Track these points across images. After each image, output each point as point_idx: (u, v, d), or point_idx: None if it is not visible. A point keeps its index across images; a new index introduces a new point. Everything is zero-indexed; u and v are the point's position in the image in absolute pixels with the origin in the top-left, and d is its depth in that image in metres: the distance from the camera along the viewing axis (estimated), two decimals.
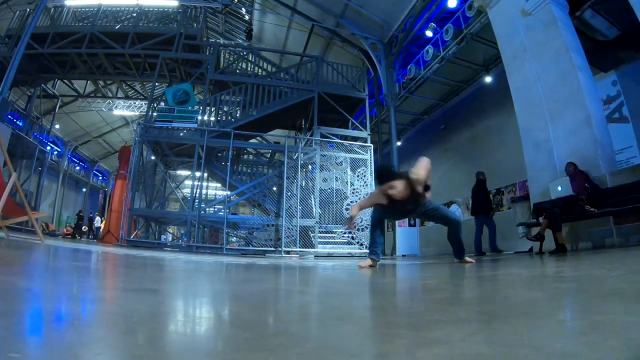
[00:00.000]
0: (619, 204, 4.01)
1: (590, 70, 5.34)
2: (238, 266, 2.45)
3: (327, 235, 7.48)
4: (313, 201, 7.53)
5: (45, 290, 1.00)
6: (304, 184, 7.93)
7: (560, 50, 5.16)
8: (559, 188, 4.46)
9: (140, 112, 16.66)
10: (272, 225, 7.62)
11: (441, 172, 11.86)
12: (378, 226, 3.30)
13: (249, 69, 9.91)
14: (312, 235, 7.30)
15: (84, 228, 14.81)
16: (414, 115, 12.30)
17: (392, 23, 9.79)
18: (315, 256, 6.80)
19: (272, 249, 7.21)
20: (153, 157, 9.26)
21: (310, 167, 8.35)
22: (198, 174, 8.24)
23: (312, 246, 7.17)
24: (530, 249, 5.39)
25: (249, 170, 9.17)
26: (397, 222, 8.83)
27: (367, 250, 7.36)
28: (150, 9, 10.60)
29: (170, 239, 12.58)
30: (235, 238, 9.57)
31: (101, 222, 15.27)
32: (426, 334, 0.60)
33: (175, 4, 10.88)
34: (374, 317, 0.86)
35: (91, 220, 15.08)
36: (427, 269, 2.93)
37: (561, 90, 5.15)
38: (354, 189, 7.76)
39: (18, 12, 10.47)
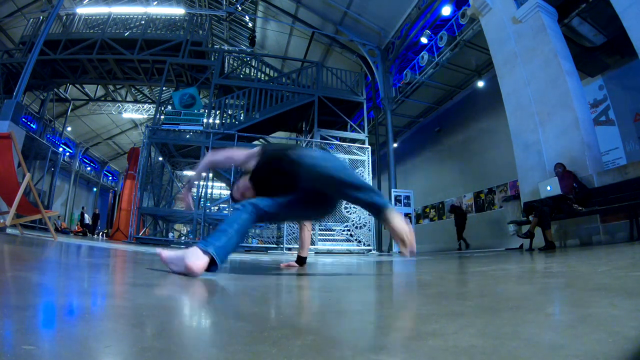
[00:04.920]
0: (606, 202, 4.13)
1: (578, 75, 5.42)
2: (242, 262, 2.40)
3: (327, 232, 7.62)
4: None
5: (57, 285, 1.01)
6: None
7: (550, 56, 5.30)
8: (548, 187, 4.51)
9: (149, 115, 16.93)
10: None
11: (435, 173, 12.03)
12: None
13: (252, 74, 10.10)
14: (312, 232, 7.45)
15: (97, 231, 14.82)
16: (410, 118, 12.48)
17: (389, 30, 10.01)
18: (315, 253, 6.88)
19: (274, 245, 7.32)
20: (161, 158, 9.42)
21: None
22: (204, 174, 8.49)
23: (313, 243, 7.24)
24: (521, 246, 5.41)
25: None
26: None
27: (366, 247, 7.62)
28: (158, 17, 10.81)
29: (180, 236, 12.68)
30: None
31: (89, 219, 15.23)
32: (421, 326, 0.60)
33: (182, 12, 11.22)
34: (372, 310, 0.87)
35: (82, 216, 14.97)
36: (421, 265, 2.95)
37: (550, 94, 5.24)
38: None
39: (32, 19, 10.67)
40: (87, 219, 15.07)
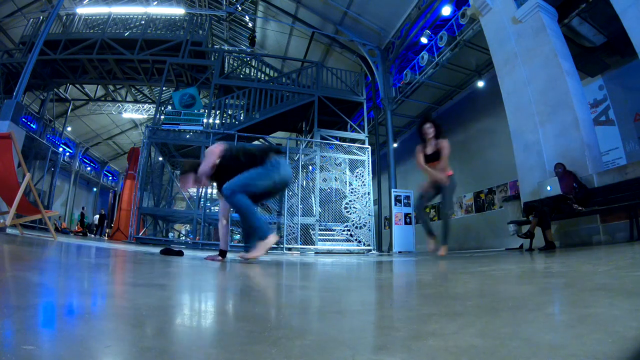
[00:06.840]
0: (605, 202, 4.12)
1: (577, 75, 5.39)
2: (242, 262, 2.41)
3: (327, 232, 7.60)
4: (313, 200, 7.67)
5: (57, 285, 1.02)
6: (304, 184, 8.06)
7: (550, 56, 5.29)
8: (548, 188, 4.48)
9: (149, 115, 17.00)
10: (275, 223, 7.74)
11: None
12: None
13: (252, 74, 10.13)
14: (312, 232, 7.42)
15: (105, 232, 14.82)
16: (410, 118, 12.39)
17: (389, 30, 10.00)
18: (315, 253, 6.88)
19: (274, 245, 7.36)
20: (161, 158, 9.41)
21: (310, 167, 8.47)
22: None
23: (313, 243, 7.28)
24: (521, 246, 5.38)
25: None
26: (393, 220, 8.98)
27: (365, 247, 7.61)
28: (158, 17, 10.83)
29: (179, 236, 12.70)
30: (239, 235, 9.81)
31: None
32: (421, 326, 0.61)
33: (182, 12, 11.25)
34: (372, 310, 0.87)
35: (83, 216, 15.02)
36: (421, 265, 2.96)
37: (550, 94, 5.22)
38: (352, 189, 7.88)
39: (31, 19, 10.71)
40: (92, 218, 15.08)
